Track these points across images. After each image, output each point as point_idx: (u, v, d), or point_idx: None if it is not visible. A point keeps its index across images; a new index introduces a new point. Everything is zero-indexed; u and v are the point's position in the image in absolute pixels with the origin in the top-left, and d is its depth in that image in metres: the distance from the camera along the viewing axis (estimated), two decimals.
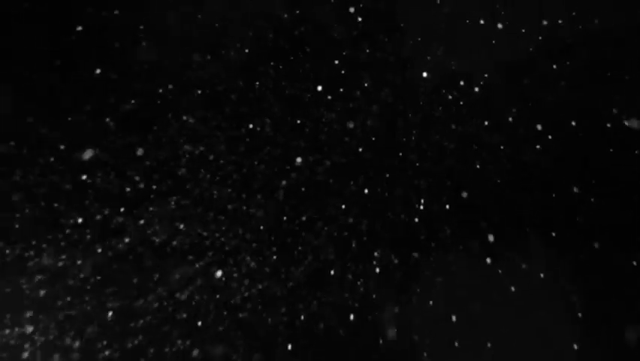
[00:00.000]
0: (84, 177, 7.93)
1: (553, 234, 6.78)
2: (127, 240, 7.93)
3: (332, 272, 7.02)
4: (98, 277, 7.79)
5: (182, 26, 8.15)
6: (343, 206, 7.76)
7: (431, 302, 6.49)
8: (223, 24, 8.10)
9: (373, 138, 8.09)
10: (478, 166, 7.58)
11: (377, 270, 6.67)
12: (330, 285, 6.97)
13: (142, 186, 8.07)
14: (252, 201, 7.94)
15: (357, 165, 7.98)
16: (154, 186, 7.69)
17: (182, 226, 7.74)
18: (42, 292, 7.86)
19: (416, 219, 7.16)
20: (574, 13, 7.87)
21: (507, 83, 8.01)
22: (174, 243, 7.87)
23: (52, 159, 7.77)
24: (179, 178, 8.04)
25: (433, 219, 7.16)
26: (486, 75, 8.09)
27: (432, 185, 7.57)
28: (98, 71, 7.74)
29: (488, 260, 6.39)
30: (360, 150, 8.12)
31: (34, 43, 7.89)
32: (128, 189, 8.00)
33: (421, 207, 7.40)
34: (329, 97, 8.04)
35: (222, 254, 7.71)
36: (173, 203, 8.00)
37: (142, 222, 8.00)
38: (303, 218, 7.45)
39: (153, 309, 7.59)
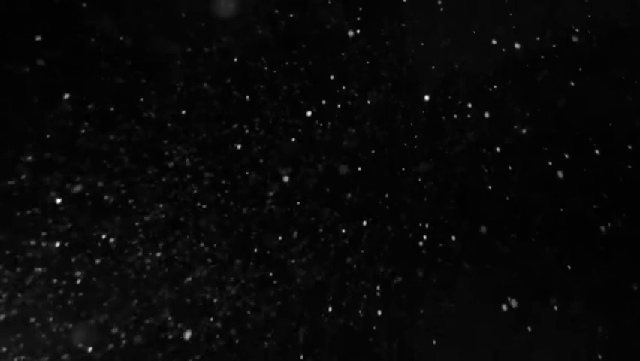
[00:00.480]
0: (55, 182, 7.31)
1: (572, 251, 6.16)
2: (105, 253, 7.28)
3: (327, 291, 6.38)
4: (76, 294, 7.15)
5: (162, 17, 7.48)
6: (339, 216, 7.11)
7: (436, 332, 5.85)
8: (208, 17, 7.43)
9: (372, 140, 7.42)
10: (487, 172, 6.92)
11: (377, 289, 6.02)
12: (325, 305, 6.32)
13: (120, 193, 7.42)
14: (239, 211, 7.29)
15: (354, 169, 7.32)
16: (130, 200, 7.04)
17: (163, 239, 7.10)
18: (13, 311, 7.24)
19: (420, 232, 6.50)
20: (588, 16, 7.28)
21: (513, 84, 7.38)
22: (158, 256, 7.24)
23: (20, 165, 7.16)
24: (161, 185, 7.39)
25: (438, 231, 6.51)
26: (491, 75, 7.47)
27: (438, 193, 6.91)
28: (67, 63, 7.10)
29: (504, 307, 5.77)
30: (359, 153, 7.46)
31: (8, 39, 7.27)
32: (105, 197, 7.35)
33: (426, 217, 6.76)
34: (324, 96, 7.37)
35: (207, 269, 7.08)
36: (154, 213, 7.36)
37: (121, 233, 7.36)
38: (295, 232, 6.79)
39: (135, 329, 6.96)
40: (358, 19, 7.42)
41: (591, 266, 5.98)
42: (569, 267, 5.98)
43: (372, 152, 7.42)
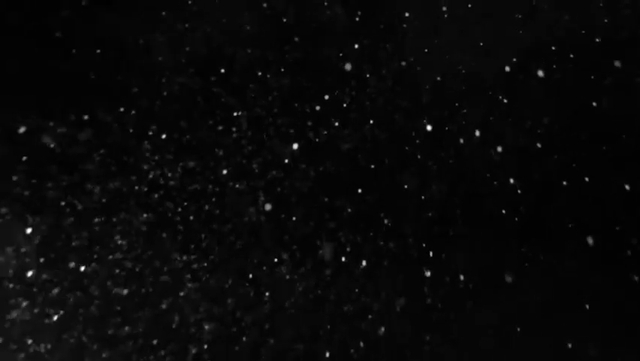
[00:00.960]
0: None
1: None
2: (86, 267, 6.65)
3: (324, 311, 5.84)
4: (53, 313, 6.53)
5: (143, 9, 6.82)
6: (335, 228, 6.56)
7: None
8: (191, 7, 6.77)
9: (372, 143, 6.85)
10: (496, 180, 6.40)
11: (378, 312, 5.49)
12: (322, 328, 5.79)
13: (94, 200, 6.78)
14: (227, 220, 6.71)
15: (351, 174, 6.76)
16: (106, 208, 6.41)
17: (142, 253, 6.50)
18: None
19: (424, 247, 5.98)
20: (605, 20, 6.79)
21: (521, 86, 6.87)
22: (137, 271, 6.64)
23: None
24: (141, 192, 6.77)
25: (444, 246, 5.98)
26: (497, 77, 6.95)
27: (443, 202, 6.38)
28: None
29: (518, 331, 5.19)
30: (357, 156, 6.89)
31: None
32: (79, 207, 6.71)
33: (431, 230, 6.23)
34: (319, 95, 6.78)
35: (193, 285, 6.50)
36: (138, 222, 6.75)
37: (101, 245, 6.73)
38: (284, 255, 6.22)
39: (113, 354, 6.39)
40: (357, 16, 6.82)
41: (616, 286, 5.49)
42: (594, 287, 5.48)
43: (372, 155, 6.86)
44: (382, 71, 6.85)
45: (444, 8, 6.59)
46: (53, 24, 6.55)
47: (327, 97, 6.85)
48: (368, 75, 6.84)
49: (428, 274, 5.59)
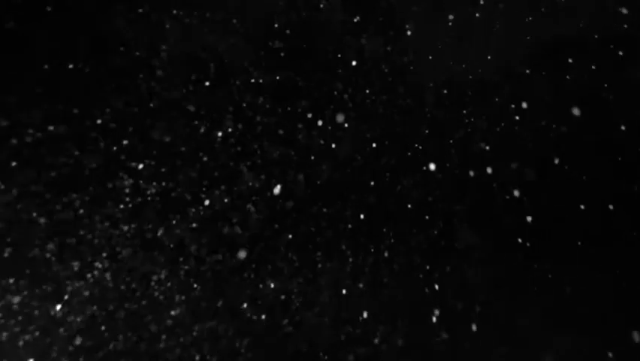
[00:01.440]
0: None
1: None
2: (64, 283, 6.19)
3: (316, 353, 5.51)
4: (31, 334, 6.11)
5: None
6: (332, 237, 6.17)
7: None
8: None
9: (370, 146, 6.39)
10: (501, 190, 6.03)
11: (378, 345, 5.15)
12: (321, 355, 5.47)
13: (75, 210, 6.27)
14: (218, 232, 6.27)
15: (348, 183, 6.32)
16: (86, 218, 5.89)
17: (124, 269, 6.05)
18: None
19: (429, 268, 5.63)
20: (624, 26, 6.35)
21: (523, 87, 6.46)
22: (121, 290, 6.22)
23: None
24: (123, 203, 6.26)
25: (450, 264, 5.65)
26: (496, 77, 6.54)
27: (446, 213, 6.01)
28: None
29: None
30: (355, 158, 6.44)
31: None
32: (54, 218, 6.19)
33: (434, 244, 5.88)
34: (313, 94, 6.22)
35: (180, 307, 6.11)
36: (114, 234, 6.27)
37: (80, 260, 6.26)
38: (269, 266, 5.81)
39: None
40: (357, 14, 6.19)
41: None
42: (613, 305, 5.22)
43: (370, 159, 6.41)
44: (383, 68, 6.30)
45: (450, 16, 6.04)
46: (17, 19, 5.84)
47: (321, 96, 6.31)
48: (366, 72, 6.30)
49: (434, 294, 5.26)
